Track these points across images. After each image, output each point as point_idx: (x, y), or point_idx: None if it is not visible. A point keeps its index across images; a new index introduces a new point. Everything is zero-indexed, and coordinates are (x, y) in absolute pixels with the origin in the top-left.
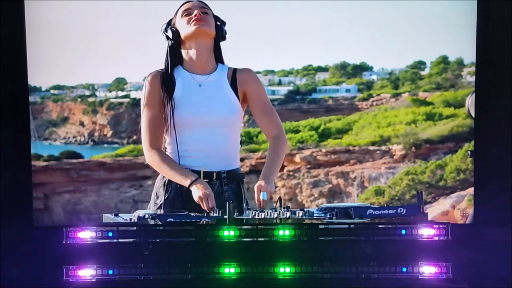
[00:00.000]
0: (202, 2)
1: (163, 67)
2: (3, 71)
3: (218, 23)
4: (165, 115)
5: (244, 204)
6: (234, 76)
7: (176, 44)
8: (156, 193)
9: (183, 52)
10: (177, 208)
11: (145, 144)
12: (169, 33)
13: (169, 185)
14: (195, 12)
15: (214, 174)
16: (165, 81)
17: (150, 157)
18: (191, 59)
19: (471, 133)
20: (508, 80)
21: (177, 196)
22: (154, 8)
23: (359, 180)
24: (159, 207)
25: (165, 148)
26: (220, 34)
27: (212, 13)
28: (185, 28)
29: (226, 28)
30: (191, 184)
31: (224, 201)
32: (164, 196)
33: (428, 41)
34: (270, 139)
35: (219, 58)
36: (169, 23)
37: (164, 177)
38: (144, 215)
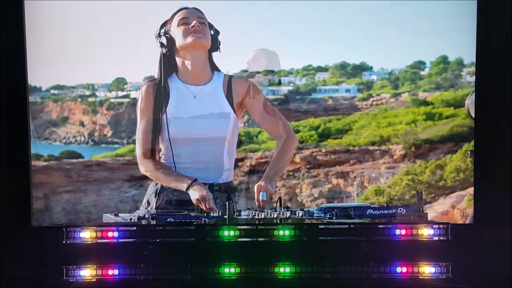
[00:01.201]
0: (199, 11)
1: (158, 73)
2: (3, 71)
3: (212, 31)
4: (160, 128)
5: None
6: (229, 85)
7: (170, 51)
8: (148, 200)
9: (178, 60)
10: None
11: (139, 154)
12: (163, 40)
13: (161, 193)
14: (193, 23)
15: (207, 186)
16: (159, 94)
17: (144, 166)
18: (186, 69)
19: (471, 133)
20: (508, 80)
21: (169, 203)
22: (155, 8)
23: (359, 180)
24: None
25: (160, 157)
26: (214, 45)
27: (207, 21)
28: (181, 38)
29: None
30: (188, 187)
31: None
32: (156, 204)
33: (428, 41)
34: (277, 140)
35: (214, 66)
36: (163, 26)
37: (156, 184)
38: (144, 215)
